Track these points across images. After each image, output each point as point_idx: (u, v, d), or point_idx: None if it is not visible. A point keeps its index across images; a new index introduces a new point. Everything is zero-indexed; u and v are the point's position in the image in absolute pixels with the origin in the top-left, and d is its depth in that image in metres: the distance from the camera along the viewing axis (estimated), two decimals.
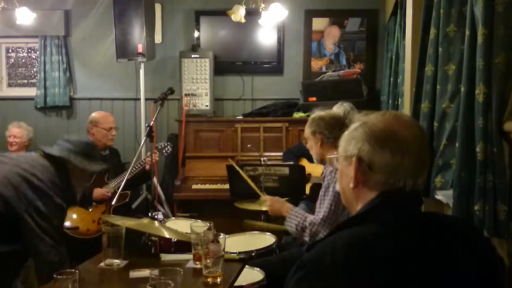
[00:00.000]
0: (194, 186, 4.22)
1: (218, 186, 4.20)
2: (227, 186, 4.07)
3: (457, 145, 1.63)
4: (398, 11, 3.68)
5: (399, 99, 3.48)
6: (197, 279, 1.81)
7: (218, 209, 4.10)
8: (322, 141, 2.48)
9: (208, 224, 2.54)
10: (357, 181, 1.09)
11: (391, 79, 3.84)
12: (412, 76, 2.43)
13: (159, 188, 4.15)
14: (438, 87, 2.09)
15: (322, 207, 2.34)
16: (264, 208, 3.06)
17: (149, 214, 3.88)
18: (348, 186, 1.13)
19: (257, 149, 4.41)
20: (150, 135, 3.02)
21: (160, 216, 3.99)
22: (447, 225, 1.08)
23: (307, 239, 2.35)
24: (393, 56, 3.96)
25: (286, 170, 3.20)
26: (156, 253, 2.17)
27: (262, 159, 3.29)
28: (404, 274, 0.95)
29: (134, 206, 4.21)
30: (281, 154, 4.33)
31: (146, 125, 2.98)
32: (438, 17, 2.10)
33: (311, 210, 3.74)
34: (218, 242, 1.82)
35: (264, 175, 3.22)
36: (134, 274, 1.88)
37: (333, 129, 2.52)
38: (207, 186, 4.21)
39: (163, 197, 4.34)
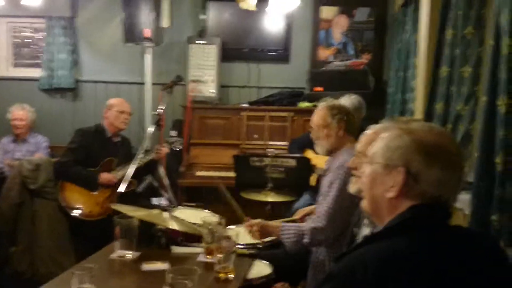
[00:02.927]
0: (198, 173, 4.23)
1: (223, 173, 4.20)
2: (231, 173, 4.09)
3: (476, 154, 1.64)
4: (409, 2, 3.63)
5: (408, 94, 3.47)
6: (209, 274, 1.83)
7: (219, 195, 4.11)
8: (344, 130, 2.41)
9: (217, 217, 2.57)
10: (400, 192, 1.07)
11: (400, 72, 3.82)
12: (427, 75, 2.42)
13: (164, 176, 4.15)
14: (453, 88, 2.09)
15: (325, 204, 2.30)
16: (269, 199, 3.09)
17: (153, 200, 3.93)
18: (383, 195, 1.10)
19: (262, 138, 4.42)
20: (158, 123, 3.01)
21: (163, 201, 4.03)
22: (478, 241, 1.07)
23: (307, 241, 2.29)
24: (403, 49, 3.94)
25: (293, 162, 3.21)
26: (166, 245, 2.19)
27: (269, 150, 3.30)
28: None
29: (138, 190, 4.21)
30: (285, 143, 4.34)
31: (155, 113, 2.97)
32: (455, 17, 2.08)
33: (315, 201, 3.78)
34: (230, 238, 1.84)
35: (271, 166, 3.23)
36: (147, 266, 1.90)
37: (354, 122, 2.50)
38: (212, 173, 4.22)
39: (167, 182, 4.34)
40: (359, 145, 1.61)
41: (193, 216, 2.77)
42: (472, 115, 2.02)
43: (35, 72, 4.93)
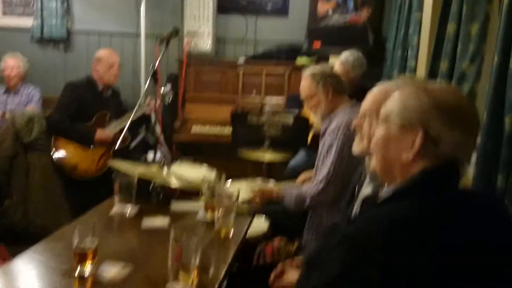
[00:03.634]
0: (193, 129, 4.19)
1: (218, 129, 4.17)
2: (227, 129, 4.07)
3: (484, 113, 1.61)
4: None
5: (408, 51, 3.40)
6: (210, 232, 1.83)
7: (217, 151, 4.11)
8: (333, 92, 2.40)
9: (215, 172, 2.56)
10: (418, 154, 1.03)
11: (402, 28, 3.73)
12: (431, 32, 2.36)
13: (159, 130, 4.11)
14: (459, 46, 2.04)
15: (324, 168, 2.29)
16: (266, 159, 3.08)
17: (148, 155, 3.89)
18: (397, 156, 1.06)
19: (258, 93, 4.37)
20: (154, 77, 2.93)
21: (158, 156, 4.00)
22: (486, 203, 1.06)
23: (308, 204, 2.31)
24: (404, 4, 3.84)
25: (290, 119, 3.18)
26: (165, 201, 2.18)
27: (267, 108, 3.25)
28: (456, 263, 0.94)
29: (132, 146, 4.19)
30: (282, 98, 4.30)
31: (150, 69, 2.89)
32: None
33: (311, 159, 3.78)
34: (231, 197, 1.83)
35: (268, 124, 3.20)
36: (147, 222, 1.90)
37: (340, 81, 2.47)
38: (207, 130, 4.18)
39: (161, 137, 4.31)
40: (365, 104, 1.56)
41: (191, 171, 2.77)
42: (478, 74, 1.99)
43: (26, 21, 4.76)
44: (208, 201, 1.97)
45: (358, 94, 3.60)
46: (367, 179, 1.78)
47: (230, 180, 2.76)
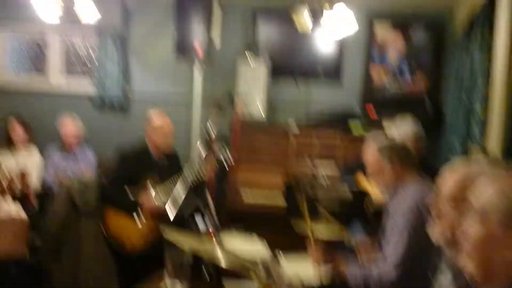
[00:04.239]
0: (245, 197, 4.08)
1: (270, 198, 4.04)
2: (278, 198, 3.94)
3: None
4: (476, 23, 3.41)
5: (473, 127, 3.23)
6: None
7: (270, 223, 3.96)
8: (400, 165, 2.27)
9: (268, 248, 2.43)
10: None
11: (463, 100, 3.58)
12: (504, 107, 2.21)
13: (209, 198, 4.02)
14: None
15: (391, 249, 2.12)
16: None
17: (199, 224, 3.75)
18: (501, 257, 0.93)
19: (311, 162, 4.26)
20: (208, 146, 2.86)
21: (209, 226, 3.86)
22: None
23: (373, 285, 2.15)
24: (467, 75, 3.72)
25: (348, 195, 3.03)
26: (218, 277, 2.05)
27: (324, 179, 3.13)
28: None
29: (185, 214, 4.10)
30: (334, 165, 4.16)
31: (205, 135, 2.84)
32: None
33: (366, 233, 3.57)
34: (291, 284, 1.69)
35: (324, 196, 3.06)
36: None
37: (409, 153, 2.35)
38: (259, 199, 4.06)
39: (211, 205, 4.21)
40: (444, 186, 1.41)
41: (243, 245, 2.64)
42: None
43: (86, 86, 4.94)
44: (264, 284, 1.82)
45: (423, 168, 3.45)
46: (443, 265, 1.62)
47: (283, 255, 2.60)
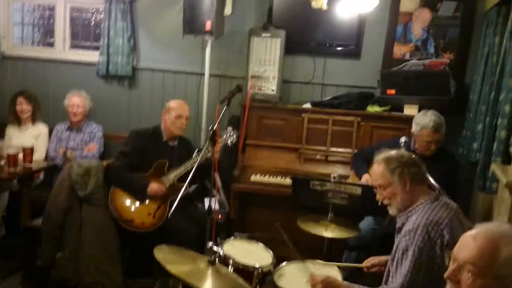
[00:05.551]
0: (253, 178, 3.97)
1: (278, 180, 3.93)
2: (287, 180, 3.82)
3: None
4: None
5: (499, 119, 2.98)
6: None
7: (276, 204, 3.88)
8: (410, 182, 2.11)
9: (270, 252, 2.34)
10: None
11: (491, 91, 3.30)
12: None
13: (217, 177, 3.92)
14: None
15: (399, 276, 1.99)
16: (329, 235, 2.80)
17: (205, 202, 3.68)
18: None
19: (324, 143, 4.08)
20: (213, 139, 2.73)
21: (217, 205, 3.79)
22: None
23: None
24: (493, 54, 3.43)
25: (358, 190, 2.88)
26: None
27: (332, 175, 2.97)
28: None
29: (190, 192, 4.03)
30: (349, 150, 3.99)
31: (209, 129, 2.71)
32: None
33: (378, 225, 3.43)
34: None
35: (332, 192, 2.92)
36: None
37: (419, 169, 2.17)
38: (266, 179, 3.95)
39: (219, 183, 4.12)
40: (465, 251, 1.25)
41: (245, 251, 2.54)
42: None
43: (93, 56, 4.78)
44: None
45: (437, 154, 3.22)
46: None
47: (285, 264, 2.50)
